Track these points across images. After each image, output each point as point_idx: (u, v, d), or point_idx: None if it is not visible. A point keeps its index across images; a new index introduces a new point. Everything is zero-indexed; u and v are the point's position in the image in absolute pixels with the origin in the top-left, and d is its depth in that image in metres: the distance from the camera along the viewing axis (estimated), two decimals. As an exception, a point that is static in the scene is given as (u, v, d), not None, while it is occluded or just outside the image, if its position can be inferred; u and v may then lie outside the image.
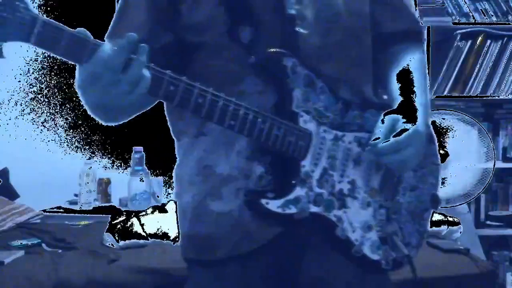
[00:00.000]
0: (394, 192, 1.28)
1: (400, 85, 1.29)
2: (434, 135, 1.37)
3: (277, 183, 1.19)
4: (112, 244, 2.43)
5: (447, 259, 2.30)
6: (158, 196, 3.28)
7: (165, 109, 1.36)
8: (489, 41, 3.47)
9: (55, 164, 3.38)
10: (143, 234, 2.48)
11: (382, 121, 1.19)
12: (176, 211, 1.34)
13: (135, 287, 2.14)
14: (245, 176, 1.20)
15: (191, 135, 1.27)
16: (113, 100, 1.07)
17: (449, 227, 2.58)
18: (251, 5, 1.20)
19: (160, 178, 3.41)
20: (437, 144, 1.38)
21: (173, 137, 1.37)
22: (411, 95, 1.27)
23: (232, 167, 1.21)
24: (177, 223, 1.34)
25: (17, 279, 2.10)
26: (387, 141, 1.16)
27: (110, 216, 2.69)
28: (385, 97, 1.33)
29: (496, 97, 3.48)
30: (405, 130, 1.17)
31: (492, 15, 3.49)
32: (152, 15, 1.23)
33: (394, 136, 1.16)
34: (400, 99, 1.26)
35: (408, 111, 1.22)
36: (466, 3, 3.49)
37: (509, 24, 3.47)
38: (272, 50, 1.16)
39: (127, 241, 2.44)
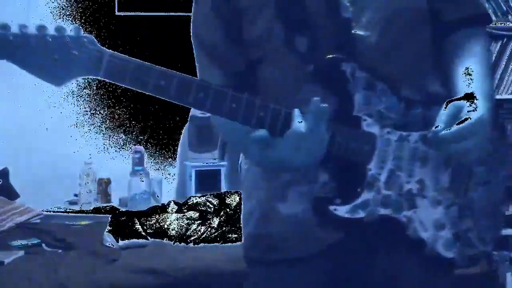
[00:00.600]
0: (465, 188, 1.27)
1: (463, 74, 1.24)
2: (505, 127, 1.34)
3: (343, 189, 1.18)
4: (112, 244, 2.43)
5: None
6: (158, 196, 3.28)
7: None
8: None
9: (55, 164, 3.38)
10: (143, 234, 2.49)
11: (445, 108, 1.15)
12: (240, 214, 1.38)
13: (135, 287, 2.14)
14: (309, 181, 1.21)
15: None
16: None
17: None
18: (306, 13, 1.20)
19: (160, 178, 3.41)
20: (508, 137, 1.35)
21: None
22: (475, 84, 1.22)
23: (297, 173, 1.22)
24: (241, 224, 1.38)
25: (17, 279, 2.10)
26: (449, 129, 1.12)
27: (110, 216, 2.69)
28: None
29: (496, 97, 3.49)
30: (468, 118, 1.12)
31: (492, 15, 3.49)
32: (221, 33, 1.25)
33: (457, 125, 1.12)
34: (465, 88, 1.21)
35: (471, 99, 1.17)
36: (466, 3, 3.49)
37: (509, 24, 3.47)
38: (330, 56, 1.15)
39: (127, 241, 2.44)
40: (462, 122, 1.12)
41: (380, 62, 1.20)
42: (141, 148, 3.34)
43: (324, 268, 1.25)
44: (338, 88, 1.17)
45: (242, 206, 1.38)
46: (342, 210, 1.15)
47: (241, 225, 1.39)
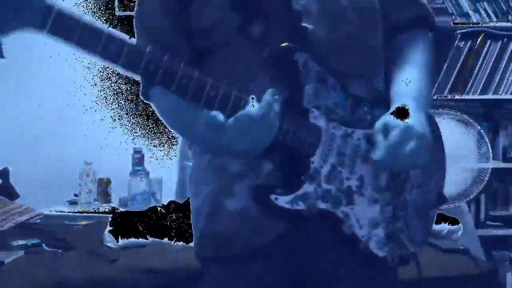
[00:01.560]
0: (401, 189, 1.28)
1: (401, 80, 1.28)
2: (440, 132, 1.36)
3: (286, 179, 1.19)
4: (112, 244, 2.43)
5: (447, 259, 2.30)
6: (158, 196, 3.28)
7: None
8: (489, 41, 3.48)
9: (55, 164, 3.38)
10: (143, 234, 2.48)
11: (375, 132, 1.17)
12: (190, 211, 1.36)
13: (135, 287, 2.14)
14: (256, 174, 1.21)
15: None
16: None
17: (449, 227, 2.58)
18: (258, 3, 1.20)
19: (160, 178, 3.41)
20: (443, 141, 1.37)
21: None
22: (409, 89, 1.25)
23: (242, 164, 1.22)
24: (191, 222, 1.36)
25: (17, 279, 2.10)
26: (382, 150, 1.15)
27: (110, 216, 2.69)
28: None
29: (496, 97, 3.49)
30: (395, 129, 1.15)
31: (492, 15, 3.49)
32: (168, 23, 1.23)
33: (385, 142, 1.15)
34: (399, 94, 1.25)
35: (399, 108, 1.20)
36: (466, 3, 3.49)
37: (509, 24, 3.47)
38: (283, 44, 1.16)
39: (127, 241, 2.44)
40: (388, 137, 1.15)
41: (330, 56, 1.20)
42: (141, 148, 3.33)
43: (274, 261, 1.25)
44: (290, 78, 1.17)
45: (191, 202, 1.36)
46: (282, 200, 1.16)
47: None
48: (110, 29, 1.01)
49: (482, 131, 3.02)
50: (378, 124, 1.18)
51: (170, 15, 1.22)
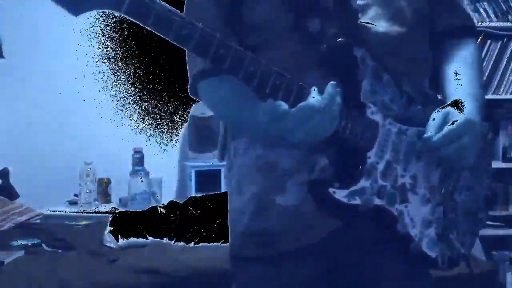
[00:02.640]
0: (452, 190, 1.28)
1: (453, 77, 1.29)
2: (490, 135, 1.36)
3: (341, 174, 1.18)
4: (112, 244, 2.43)
5: (447, 259, 2.30)
6: (158, 196, 3.28)
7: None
8: (489, 41, 3.48)
9: (55, 164, 3.38)
10: (143, 234, 2.48)
11: (433, 119, 1.19)
12: (227, 212, 1.33)
13: (135, 287, 2.14)
14: (309, 169, 1.20)
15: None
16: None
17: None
18: (315, 0, 1.20)
19: (160, 178, 3.41)
20: (493, 145, 1.39)
21: (225, 138, 1.35)
22: (463, 86, 1.26)
23: (295, 160, 1.20)
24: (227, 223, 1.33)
25: (17, 279, 2.10)
26: (440, 133, 1.16)
27: (110, 216, 2.69)
28: (439, 96, 1.32)
29: (496, 97, 3.49)
30: (456, 121, 1.16)
31: (492, 15, 3.49)
32: (220, 16, 1.22)
33: (447, 128, 1.16)
34: (453, 91, 1.26)
35: (458, 103, 1.21)
36: (466, 3, 3.49)
37: (509, 24, 3.47)
38: (341, 39, 1.15)
39: (127, 241, 2.44)
40: (452, 124, 1.16)
41: (386, 54, 1.21)
42: (141, 148, 3.34)
43: (322, 259, 1.23)
44: (348, 73, 1.16)
45: (229, 202, 1.33)
46: (340, 194, 1.15)
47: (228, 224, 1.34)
48: (182, 14, 1.03)
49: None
50: (438, 112, 1.19)
51: (222, 8, 1.22)
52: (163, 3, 1.01)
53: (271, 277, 1.26)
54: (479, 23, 3.45)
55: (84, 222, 2.88)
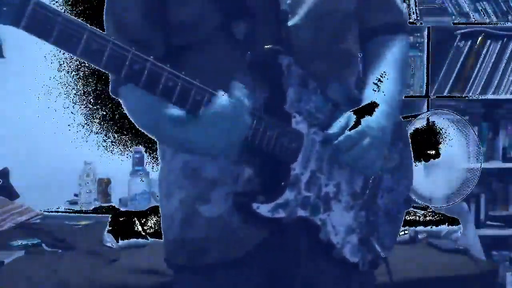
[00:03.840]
0: (374, 194, 1.29)
1: (372, 81, 1.27)
2: (409, 138, 1.37)
3: (266, 186, 1.16)
4: (112, 244, 2.43)
5: (447, 259, 2.31)
6: (158, 196, 3.28)
7: None
8: (489, 41, 3.48)
9: (55, 164, 3.38)
10: (143, 234, 2.48)
11: (339, 121, 1.18)
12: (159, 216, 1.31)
13: (135, 287, 2.14)
14: (233, 180, 1.18)
15: None
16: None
17: (449, 227, 2.58)
18: (243, 0, 1.17)
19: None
20: (411, 146, 1.38)
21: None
22: (379, 93, 1.25)
23: (219, 169, 1.19)
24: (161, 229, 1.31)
25: (17, 279, 2.10)
26: (341, 137, 1.15)
27: (110, 216, 2.69)
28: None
29: (496, 97, 3.49)
30: (358, 124, 1.16)
31: (492, 15, 3.49)
32: (142, 14, 1.16)
33: (347, 131, 1.16)
34: (370, 95, 1.25)
35: (370, 106, 1.20)
36: (466, 3, 3.49)
37: (509, 24, 3.47)
38: (268, 47, 1.12)
39: (127, 241, 2.44)
40: (349, 130, 1.15)
41: (311, 58, 1.19)
42: (141, 148, 3.33)
43: (252, 270, 1.22)
44: (272, 80, 1.13)
45: (160, 207, 1.31)
46: (264, 209, 1.13)
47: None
48: (94, 28, 0.92)
49: (474, 131, 3.04)
50: (343, 115, 1.18)
51: (145, 9, 1.15)
52: (68, 15, 0.89)
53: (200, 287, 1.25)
54: (481, 23, 3.46)
55: (84, 222, 2.88)
